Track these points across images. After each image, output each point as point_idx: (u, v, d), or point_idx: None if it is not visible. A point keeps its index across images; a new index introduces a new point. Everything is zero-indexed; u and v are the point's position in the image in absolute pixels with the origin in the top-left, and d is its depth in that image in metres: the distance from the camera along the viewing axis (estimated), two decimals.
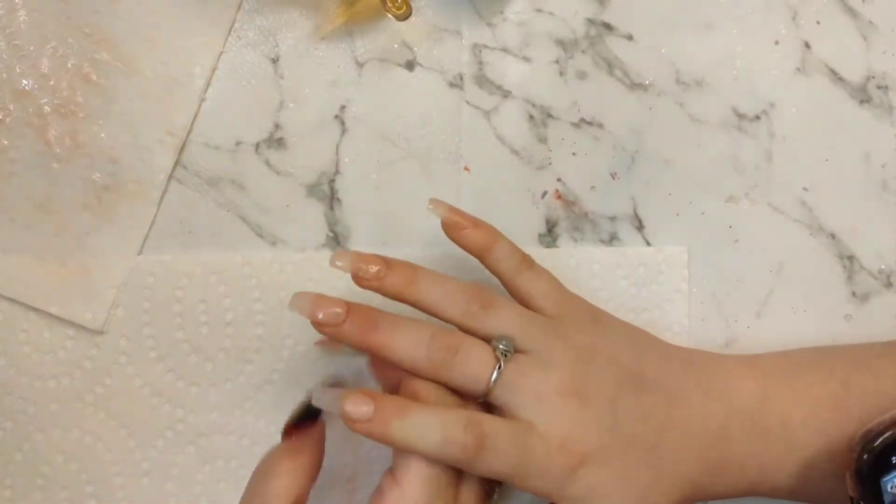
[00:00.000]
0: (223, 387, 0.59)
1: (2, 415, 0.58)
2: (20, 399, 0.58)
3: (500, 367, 0.48)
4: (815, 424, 0.51)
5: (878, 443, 0.45)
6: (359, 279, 0.49)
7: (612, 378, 0.50)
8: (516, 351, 0.49)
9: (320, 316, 0.48)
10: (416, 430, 0.46)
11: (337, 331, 0.48)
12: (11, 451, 0.58)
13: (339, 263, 0.49)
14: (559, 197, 0.59)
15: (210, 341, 0.58)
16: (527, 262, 0.53)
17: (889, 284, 0.59)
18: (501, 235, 0.53)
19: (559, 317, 0.52)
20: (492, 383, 0.48)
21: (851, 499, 0.45)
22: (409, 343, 0.48)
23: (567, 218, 0.59)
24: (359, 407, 0.45)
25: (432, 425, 0.46)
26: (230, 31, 0.58)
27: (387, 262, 0.50)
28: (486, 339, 0.49)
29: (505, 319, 0.50)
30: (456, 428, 0.46)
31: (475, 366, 0.48)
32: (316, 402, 0.49)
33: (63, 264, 0.58)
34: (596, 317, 0.53)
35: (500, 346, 0.49)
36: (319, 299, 0.48)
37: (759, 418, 0.52)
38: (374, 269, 0.49)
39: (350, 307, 0.48)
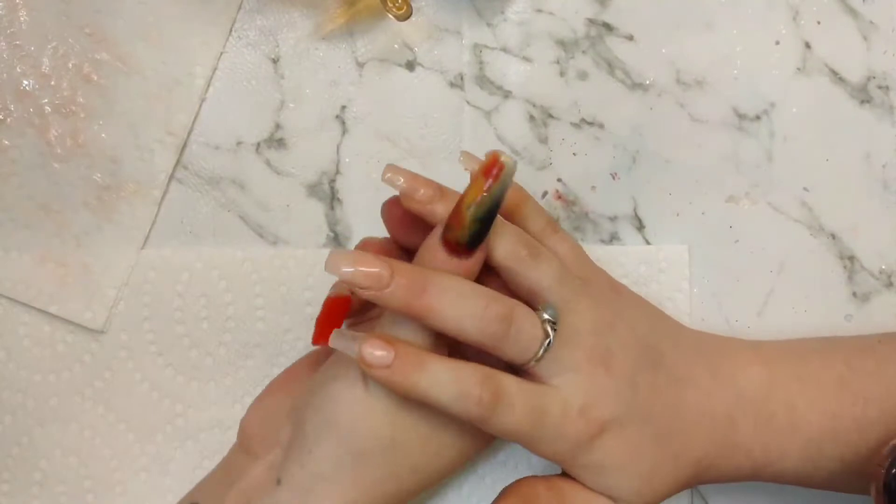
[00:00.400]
0: (223, 382, 0.59)
1: (0, 409, 0.59)
2: (19, 393, 0.59)
3: (549, 343, 0.46)
4: (820, 406, 0.51)
5: None
6: (408, 199, 0.47)
7: (633, 350, 0.49)
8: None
9: (362, 279, 0.43)
10: (433, 382, 0.44)
11: (379, 295, 0.44)
12: (10, 446, 0.59)
13: (390, 176, 0.47)
14: (560, 197, 0.59)
15: (210, 336, 0.59)
16: (552, 225, 0.52)
17: (890, 284, 0.59)
18: (530, 196, 0.52)
19: (584, 281, 0.51)
20: (538, 357, 0.46)
21: None
22: (461, 311, 0.45)
23: (568, 218, 0.59)
24: (378, 352, 0.44)
25: (449, 378, 0.45)
26: (230, 31, 0.59)
27: (441, 190, 0.47)
28: (528, 292, 0.48)
29: (547, 271, 0.48)
30: (472, 382, 0.45)
31: (525, 340, 0.46)
32: (332, 344, 0.45)
33: (63, 264, 0.58)
34: (616, 288, 0.53)
35: (547, 317, 0.47)
36: (360, 258, 0.44)
37: (765, 402, 0.52)
38: (428, 192, 0.47)
39: (394, 267, 0.44)
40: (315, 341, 0.51)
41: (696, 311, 0.59)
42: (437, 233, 0.46)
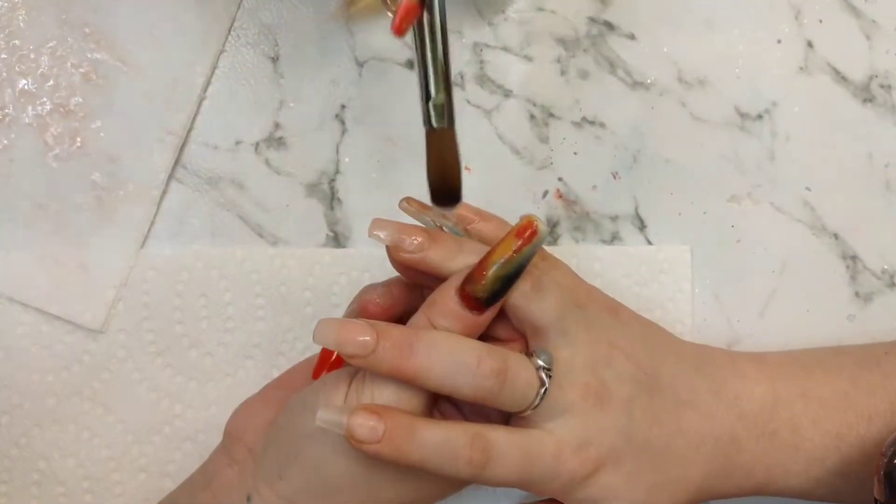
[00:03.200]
0: (222, 382, 0.59)
1: None
2: (17, 393, 0.58)
3: (545, 391, 0.46)
4: (824, 425, 0.51)
5: None
6: (396, 251, 0.46)
7: (630, 378, 0.49)
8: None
9: (348, 347, 0.43)
10: (424, 452, 0.44)
11: (366, 361, 0.44)
12: (8, 446, 0.59)
13: (377, 233, 0.46)
14: (560, 196, 0.59)
15: (210, 336, 0.59)
16: (540, 252, 0.50)
17: (892, 284, 0.59)
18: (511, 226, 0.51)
19: (581, 307, 0.50)
20: (533, 407, 0.46)
21: (876, 500, 0.45)
22: (452, 370, 0.44)
23: (568, 218, 0.59)
24: (367, 425, 0.43)
25: (439, 444, 0.44)
26: (230, 29, 0.58)
27: (430, 234, 0.47)
28: (530, 326, 0.47)
29: (549, 305, 0.47)
30: (461, 443, 0.45)
31: (521, 391, 0.45)
32: (319, 422, 0.44)
33: (62, 264, 0.58)
34: (613, 309, 0.52)
35: (541, 364, 0.46)
36: (345, 329, 0.44)
37: (769, 422, 0.51)
38: (416, 240, 0.46)
39: (379, 331, 0.44)
40: (314, 376, 0.51)
41: (697, 312, 0.59)
42: (454, 282, 0.46)
